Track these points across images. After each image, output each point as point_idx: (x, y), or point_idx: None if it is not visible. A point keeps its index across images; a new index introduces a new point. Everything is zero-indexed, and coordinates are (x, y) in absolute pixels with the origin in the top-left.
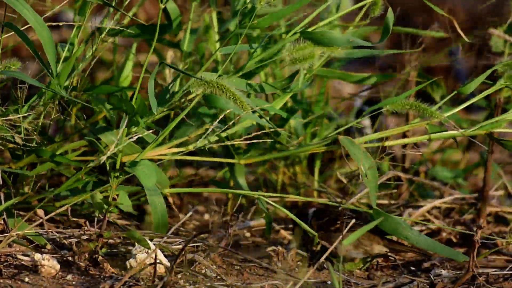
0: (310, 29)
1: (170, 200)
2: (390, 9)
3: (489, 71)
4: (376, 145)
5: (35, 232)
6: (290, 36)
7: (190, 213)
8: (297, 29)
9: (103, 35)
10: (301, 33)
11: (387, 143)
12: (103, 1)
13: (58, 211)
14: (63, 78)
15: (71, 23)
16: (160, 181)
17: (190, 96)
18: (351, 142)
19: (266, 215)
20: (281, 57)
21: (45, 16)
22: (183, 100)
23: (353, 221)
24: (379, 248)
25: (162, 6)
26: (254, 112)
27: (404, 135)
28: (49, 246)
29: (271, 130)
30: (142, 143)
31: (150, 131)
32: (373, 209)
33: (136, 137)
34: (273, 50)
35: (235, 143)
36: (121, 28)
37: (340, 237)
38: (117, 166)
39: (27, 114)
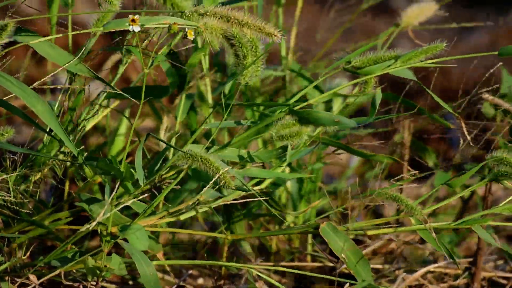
0: (296, 108)
1: (164, 262)
2: (378, 89)
3: (477, 167)
4: (362, 232)
5: None
6: (278, 114)
7: (183, 278)
8: (284, 108)
9: (101, 101)
10: (289, 111)
11: (369, 232)
12: (95, 75)
13: (50, 275)
14: (56, 144)
15: (67, 87)
16: (153, 247)
17: (178, 169)
18: (334, 230)
19: (252, 287)
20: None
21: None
22: (171, 173)
23: (347, 285)
24: None
25: (146, 70)
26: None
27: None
28: None
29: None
30: (131, 209)
31: (142, 196)
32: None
33: (122, 206)
34: (260, 126)
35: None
36: (116, 92)
37: None
38: (109, 231)
39: (19, 183)
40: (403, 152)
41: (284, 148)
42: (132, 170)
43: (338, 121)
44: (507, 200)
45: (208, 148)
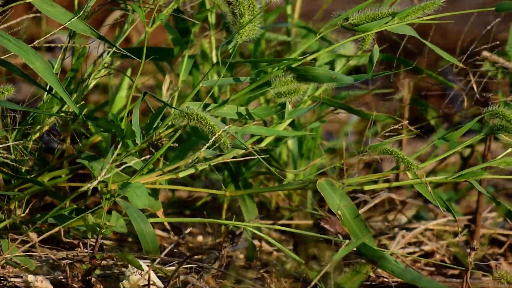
0: (294, 65)
1: (163, 219)
2: (376, 46)
3: (475, 120)
4: (359, 188)
5: (27, 254)
6: (276, 71)
7: (183, 235)
8: (284, 64)
9: (106, 59)
10: (287, 68)
11: (366, 187)
12: (98, 35)
13: (49, 232)
14: (56, 102)
15: (67, 45)
16: (152, 205)
17: (176, 127)
18: (331, 186)
19: (250, 244)
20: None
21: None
22: (169, 130)
23: (347, 241)
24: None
25: (149, 29)
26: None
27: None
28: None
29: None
30: (131, 167)
31: (143, 157)
32: (362, 244)
33: (123, 165)
34: (259, 83)
35: (225, 160)
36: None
37: (332, 260)
38: (109, 188)
39: (19, 141)
40: (403, 110)
41: (283, 106)
42: (133, 128)
43: (335, 78)
44: (504, 153)
45: (206, 106)
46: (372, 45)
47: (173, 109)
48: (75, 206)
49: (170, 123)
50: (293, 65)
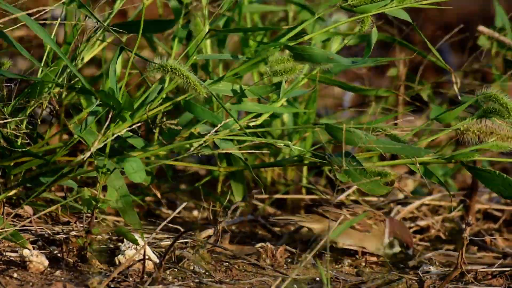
0: (292, 43)
1: (157, 193)
2: (374, 29)
3: (466, 104)
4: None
5: (23, 229)
6: (272, 49)
7: (178, 209)
8: (282, 42)
9: (99, 34)
10: (284, 47)
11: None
12: (89, 13)
13: (47, 210)
14: (53, 73)
15: (62, 22)
16: (146, 180)
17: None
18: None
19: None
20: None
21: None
22: (166, 104)
23: (342, 217)
24: None
25: (146, 2)
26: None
27: None
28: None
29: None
30: (127, 142)
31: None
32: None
33: (115, 136)
34: (255, 60)
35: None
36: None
37: (329, 232)
38: (105, 162)
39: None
40: (399, 86)
41: (278, 84)
42: (131, 101)
43: (332, 58)
44: (495, 137)
45: (202, 81)
46: (371, 27)
47: (149, 62)
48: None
49: (164, 96)
50: (290, 44)
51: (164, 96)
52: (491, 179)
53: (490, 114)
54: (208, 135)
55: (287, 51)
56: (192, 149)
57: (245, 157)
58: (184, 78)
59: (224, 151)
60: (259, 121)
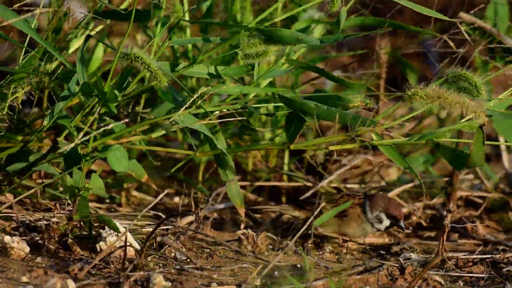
0: (261, 26)
1: (153, 186)
2: (343, 8)
3: (437, 83)
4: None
5: (4, 215)
6: (243, 32)
7: (160, 196)
8: (251, 25)
9: (83, 23)
10: (255, 30)
11: (332, 147)
12: None
13: (26, 194)
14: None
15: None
16: (135, 170)
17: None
18: None
19: None
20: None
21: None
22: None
23: (323, 204)
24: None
25: None
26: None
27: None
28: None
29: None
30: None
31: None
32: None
33: (102, 129)
34: (227, 43)
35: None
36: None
37: (310, 219)
38: (89, 150)
39: None
40: (381, 71)
41: (252, 66)
42: (115, 92)
43: (301, 39)
44: (467, 118)
45: (176, 65)
46: (340, 7)
47: (117, 52)
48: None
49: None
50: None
51: (134, 83)
52: (449, 154)
53: (461, 92)
54: (178, 113)
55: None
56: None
57: (229, 144)
58: (146, 66)
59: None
60: (239, 104)
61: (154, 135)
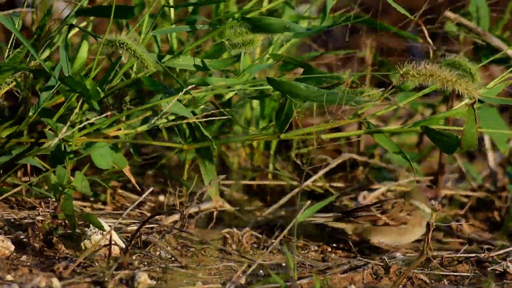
0: (249, 15)
1: (131, 178)
2: None
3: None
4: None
5: None
6: (230, 21)
7: (145, 195)
8: (237, 14)
9: (70, 17)
10: (241, 19)
11: (323, 136)
12: None
13: (11, 192)
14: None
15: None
16: (117, 161)
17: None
18: None
19: None
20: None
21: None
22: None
23: (308, 202)
24: None
25: None
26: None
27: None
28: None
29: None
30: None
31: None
32: None
33: (83, 124)
34: (213, 33)
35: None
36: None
37: (295, 218)
38: (73, 148)
39: None
40: (366, 70)
41: (236, 57)
42: (98, 89)
43: (288, 27)
44: (460, 104)
45: (162, 57)
46: None
47: (97, 39)
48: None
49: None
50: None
51: (121, 74)
52: (442, 139)
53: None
54: (166, 100)
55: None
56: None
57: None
58: (132, 52)
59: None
60: (226, 97)
61: (140, 128)
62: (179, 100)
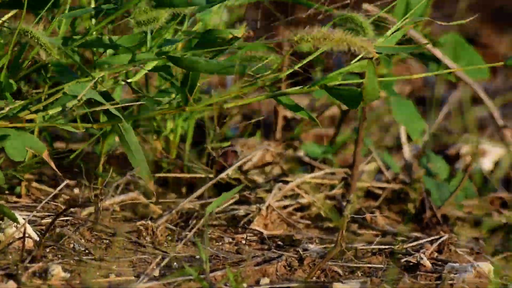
0: None
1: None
2: None
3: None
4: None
5: None
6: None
7: (60, 187)
8: None
9: None
10: None
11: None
12: None
13: None
14: None
15: None
16: (35, 147)
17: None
18: None
19: None
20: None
21: None
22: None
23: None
24: None
25: None
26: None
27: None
28: None
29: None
30: None
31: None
32: None
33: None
34: (119, 12)
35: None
36: None
37: (208, 207)
38: None
39: None
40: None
41: (140, 37)
42: (11, 81)
43: (191, 1)
44: (356, 59)
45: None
46: None
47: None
48: None
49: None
50: None
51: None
52: (343, 94)
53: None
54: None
55: None
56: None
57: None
58: (36, 40)
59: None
60: (136, 77)
61: (51, 111)
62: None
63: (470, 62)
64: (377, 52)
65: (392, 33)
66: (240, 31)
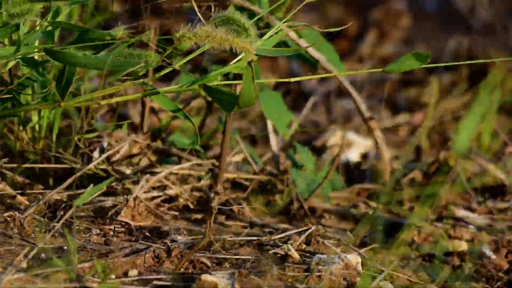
0: None
1: None
2: None
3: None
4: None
5: None
6: None
7: None
8: None
9: None
10: None
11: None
12: None
13: None
14: None
15: None
16: None
17: None
18: None
19: None
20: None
21: None
22: None
23: (91, 185)
24: None
25: None
26: None
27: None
28: None
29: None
30: None
31: None
32: None
33: None
34: None
35: None
36: None
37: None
38: None
39: None
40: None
41: (16, 26)
42: None
43: None
44: (236, 59)
45: None
46: None
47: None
48: None
49: None
50: None
51: None
52: (220, 96)
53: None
54: None
55: None
56: None
57: None
58: None
59: None
60: (8, 67)
61: None
62: None
63: (329, 58)
64: (256, 54)
65: (270, 36)
66: (118, 33)
